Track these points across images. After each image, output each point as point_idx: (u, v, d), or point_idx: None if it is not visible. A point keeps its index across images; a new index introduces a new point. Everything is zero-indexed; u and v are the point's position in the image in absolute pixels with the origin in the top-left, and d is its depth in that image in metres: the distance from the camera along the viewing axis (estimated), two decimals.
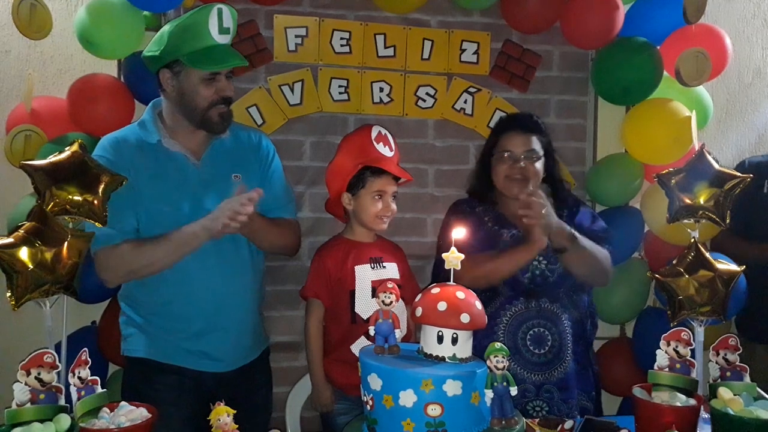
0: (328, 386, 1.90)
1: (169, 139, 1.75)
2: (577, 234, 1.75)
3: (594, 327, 1.95)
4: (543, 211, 1.68)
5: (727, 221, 1.61)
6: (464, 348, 1.20)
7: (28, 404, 1.16)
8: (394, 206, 1.91)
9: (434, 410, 1.12)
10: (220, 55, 1.70)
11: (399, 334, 1.28)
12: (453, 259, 1.26)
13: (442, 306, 1.19)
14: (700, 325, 1.59)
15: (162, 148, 1.74)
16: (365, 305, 1.85)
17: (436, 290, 1.23)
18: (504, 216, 1.89)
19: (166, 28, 1.72)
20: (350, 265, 1.88)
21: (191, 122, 1.75)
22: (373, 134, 1.91)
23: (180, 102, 1.73)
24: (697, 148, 1.68)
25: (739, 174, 1.62)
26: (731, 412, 1.30)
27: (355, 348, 1.83)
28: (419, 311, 1.21)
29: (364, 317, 1.84)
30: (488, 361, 1.17)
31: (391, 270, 1.92)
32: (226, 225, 1.64)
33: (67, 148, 1.45)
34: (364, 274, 1.88)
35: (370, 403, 1.18)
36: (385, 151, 1.91)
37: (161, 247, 1.67)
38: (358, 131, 2.01)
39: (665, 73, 2.41)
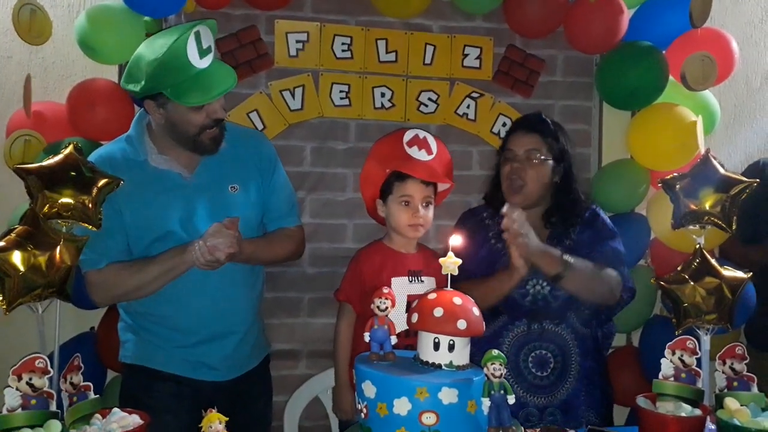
0: (351, 391, 1.80)
1: (157, 156, 1.68)
2: (569, 258, 1.65)
3: (607, 344, 1.89)
4: (520, 234, 1.58)
5: (734, 227, 1.57)
6: (461, 355, 1.18)
7: (19, 410, 1.14)
8: (425, 213, 1.79)
9: (429, 419, 1.09)
10: (207, 83, 1.59)
11: (395, 340, 1.25)
12: (450, 264, 1.23)
13: (438, 312, 1.16)
14: (706, 334, 1.56)
15: (150, 165, 1.68)
16: (398, 320, 1.77)
17: (432, 296, 1.21)
18: None
19: (144, 57, 1.57)
20: (386, 276, 1.78)
21: (182, 147, 1.69)
22: (406, 138, 1.83)
23: (170, 129, 1.67)
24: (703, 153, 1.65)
25: (745, 179, 1.59)
26: (738, 423, 1.27)
27: None
28: (415, 317, 1.19)
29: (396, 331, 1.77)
30: (485, 369, 1.14)
31: (429, 285, 1.81)
32: (207, 261, 1.59)
33: (61, 151, 1.44)
34: (401, 288, 1.76)
35: (365, 411, 1.16)
36: (420, 154, 1.81)
37: (147, 273, 1.64)
38: (389, 135, 1.93)
39: (671, 77, 2.39)
